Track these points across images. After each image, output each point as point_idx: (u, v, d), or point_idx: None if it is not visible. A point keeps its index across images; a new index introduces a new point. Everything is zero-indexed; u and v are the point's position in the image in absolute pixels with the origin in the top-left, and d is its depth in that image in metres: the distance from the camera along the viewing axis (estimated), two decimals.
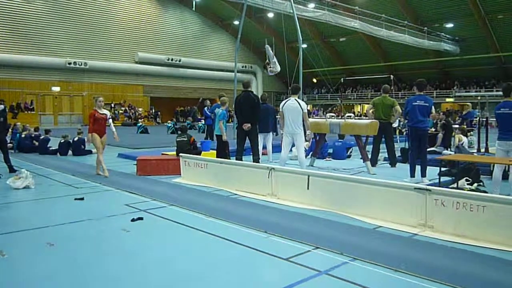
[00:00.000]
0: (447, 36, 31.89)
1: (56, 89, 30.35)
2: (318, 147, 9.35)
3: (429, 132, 8.66)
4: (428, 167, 7.16)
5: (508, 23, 29.07)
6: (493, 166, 6.49)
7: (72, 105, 31.45)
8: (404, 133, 12.23)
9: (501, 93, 6.29)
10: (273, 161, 9.10)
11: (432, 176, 6.97)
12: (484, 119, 12.54)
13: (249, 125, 7.91)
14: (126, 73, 33.51)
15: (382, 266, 3.47)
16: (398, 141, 11.81)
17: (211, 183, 7.05)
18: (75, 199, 6.06)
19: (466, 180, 6.56)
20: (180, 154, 8.04)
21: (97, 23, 31.69)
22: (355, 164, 9.27)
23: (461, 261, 3.63)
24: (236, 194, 6.43)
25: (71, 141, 11.93)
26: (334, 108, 35.45)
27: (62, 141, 11.93)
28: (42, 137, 12.44)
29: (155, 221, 4.97)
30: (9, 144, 10.89)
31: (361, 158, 8.57)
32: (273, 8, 21.95)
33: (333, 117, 17.11)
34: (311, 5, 25.30)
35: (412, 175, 7.14)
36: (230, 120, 18.42)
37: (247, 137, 8.11)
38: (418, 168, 7.11)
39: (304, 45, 22.49)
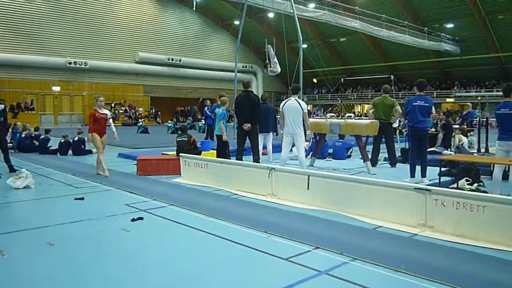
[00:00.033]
0: (447, 36, 31.90)
1: (57, 89, 30.36)
2: (318, 147, 9.35)
3: (429, 132, 8.66)
4: (428, 167, 7.16)
5: (509, 24, 29.07)
6: (493, 166, 6.49)
7: (72, 105, 31.46)
8: (404, 133, 12.25)
9: (501, 93, 6.29)
10: (273, 161, 9.10)
11: (432, 176, 6.97)
12: (484, 119, 12.53)
13: (249, 125, 7.91)
14: (126, 73, 33.52)
15: (382, 266, 3.47)
16: (398, 141, 11.81)
17: (211, 183, 7.05)
18: (75, 199, 6.06)
19: (466, 180, 6.56)
20: (180, 154, 8.04)
21: (98, 23, 31.70)
22: (355, 164, 9.27)
23: (461, 261, 3.63)
24: (236, 194, 6.43)
25: (71, 141, 11.93)
26: (335, 108, 35.46)
27: (62, 140, 11.93)
28: (42, 136, 12.44)
29: (155, 221, 4.97)
30: (9, 144, 10.90)
31: (361, 158, 8.57)
32: (274, 8, 21.96)
33: (333, 117, 17.12)
34: (312, 5, 25.31)
35: (412, 175, 7.14)
36: (230, 120, 18.42)
37: (247, 137, 8.11)
38: (418, 168, 7.11)
39: (305, 45, 22.50)
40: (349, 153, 10.59)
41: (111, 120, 8.57)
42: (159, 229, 4.72)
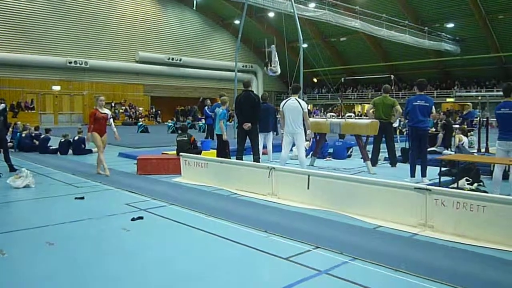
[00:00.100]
0: (447, 36, 31.89)
1: (57, 88, 30.36)
2: (319, 147, 9.35)
3: (429, 132, 8.66)
4: (428, 167, 7.15)
5: (509, 23, 29.06)
6: (493, 166, 6.49)
7: (73, 104, 31.47)
8: (405, 133, 12.25)
9: (501, 93, 6.29)
10: (274, 160, 9.10)
11: (432, 176, 6.97)
12: (485, 119, 12.53)
13: (249, 124, 7.91)
14: (126, 72, 33.53)
15: (382, 265, 3.47)
16: (399, 141, 11.80)
17: (211, 183, 7.05)
18: (75, 198, 6.06)
19: (466, 180, 6.56)
20: (181, 153, 8.04)
21: (98, 22, 31.70)
22: (355, 164, 9.27)
23: (461, 261, 3.63)
24: (236, 194, 6.43)
25: (71, 140, 11.93)
26: (335, 108, 35.46)
27: (62, 140, 11.93)
28: (42, 136, 12.44)
29: (155, 221, 4.97)
30: (9, 143, 10.90)
31: (361, 158, 8.57)
32: (274, 7, 21.96)
33: (333, 117, 17.12)
34: (312, 5, 25.31)
35: (413, 175, 7.14)
36: (231, 120, 18.42)
37: (247, 137, 8.11)
38: (418, 168, 7.10)
39: (305, 45, 22.49)
40: (349, 152, 10.59)
41: (111, 120, 8.56)
42: (159, 228, 4.72)
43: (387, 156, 9.26)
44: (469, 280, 3.20)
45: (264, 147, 9.53)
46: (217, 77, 37.61)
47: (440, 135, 11.02)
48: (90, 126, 8.13)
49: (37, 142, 12.34)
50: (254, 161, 7.70)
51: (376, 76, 28.85)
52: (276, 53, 14.59)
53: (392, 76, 18.87)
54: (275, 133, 10.23)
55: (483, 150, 10.44)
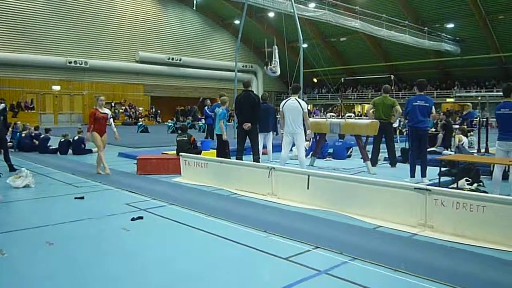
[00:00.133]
0: (447, 36, 31.89)
1: (57, 88, 30.36)
2: (318, 147, 9.35)
3: (429, 132, 8.66)
4: (428, 167, 7.16)
5: (509, 24, 29.06)
6: (493, 166, 6.49)
7: (73, 104, 31.47)
8: (404, 133, 12.25)
9: (501, 93, 6.29)
10: (273, 160, 9.11)
11: (432, 176, 6.97)
12: (485, 120, 12.54)
13: (249, 124, 7.91)
14: (126, 72, 33.53)
15: (382, 266, 3.47)
16: (398, 141, 11.81)
17: (211, 183, 7.05)
18: (75, 198, 6.06)
19: (466, 180, 6.56)
20: (180, 153, 8.04)
21: (98, 22, 31.71)
22: (355, 164, 9.27)
23: (460, 261, 3.63)
24: (236, 194, 6.43)
25: (71, 140, 11.93)
26: (335, 108, 35.45)
27: (62, 140, 11.93)
28: (42, 136, 12.44)
29: (155, 220, 4.97)
30: (9, 143, 10.90)
31: (361, 158, 8.57)
32: (274, 7, 21.97)
33: (333, 117, 17.12)
34: (312, 5, 25.31)
35: (412, 175, 7.14)
36: (230, 120, 18.41)
37: (247, 137, 8.11)
38: (418, 168, 7.11)
39: (305, 45, 22.49)
40: (349, 153, 10.59)
41: (111, 120, 8.56)
42: (159, 228, 4.72)
43: (387, 156, 9.27)
44: (469, 280, 3.21)
45: (264, 147, 9.54)
46: (217, 77, 37.62)
47: (440, 135, 11.03)
48: (90, 126, 8.13)
49: (37, 142, 12.33)
50: (254, 161, 7.70)
51: (376, 76, 28.87)
52: (277, 54, 14.60)
53: (392, 76, 18.88)
54: (275, 133, 10.23)
55: (483, 150, 10.45)
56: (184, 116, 31.23)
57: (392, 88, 19.24)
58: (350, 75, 37.45)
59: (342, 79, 24.19)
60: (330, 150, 10.65)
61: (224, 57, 38.42)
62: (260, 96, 9.33)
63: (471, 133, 14.25)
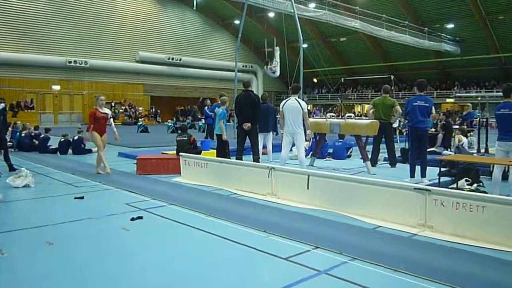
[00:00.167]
0: (447, 36, 31.90)
1: (56, 87, 30.36)
2: (318, 147, 9.35)
3: (429, 132, 8.66)
4: (428, 168, 7.16)
5: (509, 24, 29.07)
6: (493, 166, 6.49)
7: (72, 104, 31.47)
8: (404, 133, 12.24)
9: (501, 94, 6.29)
10: (273, 160, 9.11)
11: (432, 177, 6.97)
12: (484, 120, 12.54)
13: (249, 124, 7.91)
14: (126, 72, 33.54)
15: (381, 266, 3.47)
16: (398, 141, 11.81)
17: (211, 183, 7.05)
18: (75, 198, 6.06)
19: (466, 180, 6.56)
20: (180, 153, 8.04)
21: (98, 22, 31.71)
22: (355, 164, 9.27)
23: (460, 261, 3.63)
24: (236, 194, 6.43)
25: (71, 140, 11.93)
26: (335, 108, 35.45)
27: (62, 140, 11.93)
28: (42, 135, 12.44)
29: (154, 220, 4.97)
30: (9, 143, 10.90)
31: (361, 158, 8.57)
32: (274, 7, 21.97)
33: (333, 117, 17.13)
34: (312, 5, 25.31)
35: (412, 175, 7.14)
36: (230, 120, 18.42)
37: (247, 137, 8.11)
38: (418, 168, 7.10)
39: (305, 45, 22.50)
40: (349, 153, 10.59)
41: (112, 120, 8.56)
42: (158, 228, 4.72)
43: (386, 156, 9.27)
44: (469, 281, 3.21)
45: (264, 147, 9.54)
46: (217, 77, 37.63)
47: (440, 135, 11.03)
48: (89, 126, 8.12)
49: (36, 142, 12.33)
50: (253, 161, 7.70)
51: (376, 76, 28.88)
52: (278, 55, 14.61)
53: (392, 77, 18.89)
54: (275, 133, 10.23)
55: (482, 150, 10.45)
56: (184, 116, 31.22)
57: (392, 88, 19.27)
58: (350, 75, 37.45)
59: (342, 79, 24.20)
60: (330, 150, 10.65)
61: (224, 57, 38.43)
62: (260, 96, 9.33)
63: (471, 133, 14.25)
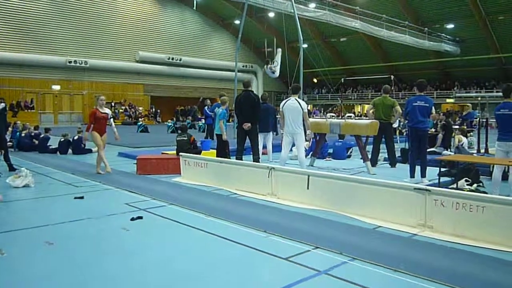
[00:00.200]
0: (447, 36, 31.90)
1: (56, 87, 30.36)
2: (318, 147, 9.35)
3: (429, 132, 8.66)
4: (428, 168, 7.16)
5: (509, 24, 29.08)
6: (493, 166, 6.49)
7: (72, 103, 31.47)
8: (404, 134, 12.26)
9: (501, 94, 6.30)
10: (273, 160, 9.11)
11: (432, 177, 6.97)
12: (484, 120, 12.54)
13: (249, 124, 7.91)
14: (126, 72, 33.54)
15: (381, 266, 3.47)
16: (398, 141, 11.81)
17: (211, 183, 7.05)
18: (75, 198, 6.06)
19: (466, 180, 6.56)
20: (180, 153, 8.04)
21: (98, 21, 31.71)
22: (355, 164, 9.28)
23: (460, 262, 3.63)
24: (236, 194, 6.43)
25: (71, 139, 11.93)
26: (335, 108, 35.46)
27: (62, 139, 11.93)
28: (42, 135, 12.44)
29: (154, 220, 4.97)
30: (8, 143, 10.89)
31: (361, 158, 8.57)
32: (274, 7, 21.97)
33: (333, 117, 17.13)
34: (312, 5, 25.32)
35: (412, 175, 7.15)
36: (230, 120, 18.42)
37: (247, 137, 8.11)
38: (418, 168, 7.11)
39: (305, 45, 22.49)
40: (349, 153, 10.59)
41: (112, 120, 8.55)
42: (158, 228, 4.72)
43: (386, 156, 9.27)
44: (468, 281, 3.21)
45: (264, 147, 9.54)
46: (217, 77, 37.63)
47: (440, 135, 11.03)
48: (89, 126, 8.12)
49: (36, 142, 12.33)
50: (253, 161, 7.70)
51: (376, 76, 28.90)
52: (280, 56, 14.60)
53: (392, 77, 18.90)
54: (275, 133, 10.23)
55: (482, 150, 10.45)
56: (184, 116, 31.21)
57: (392, 88, 19.27)
58: (350, 75, 37.45)
59: (342, 79, 24.21)
60: (330, 150, 10.65)
61: (224, 57, 38.44)
62: (260, 96, 9.33)
63: (471, 133, 14.25)
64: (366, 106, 23.55)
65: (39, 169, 8.80)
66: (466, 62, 32.87)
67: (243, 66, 37.44)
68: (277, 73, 14.61)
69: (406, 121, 8.40)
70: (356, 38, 34.04)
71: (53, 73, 29.96)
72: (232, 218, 4.95)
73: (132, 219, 4.90)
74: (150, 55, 34.12)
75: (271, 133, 9.70)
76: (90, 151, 11.58)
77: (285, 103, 7.53)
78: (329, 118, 11.14)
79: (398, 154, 9.54)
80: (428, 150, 8.10)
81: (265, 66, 14.95)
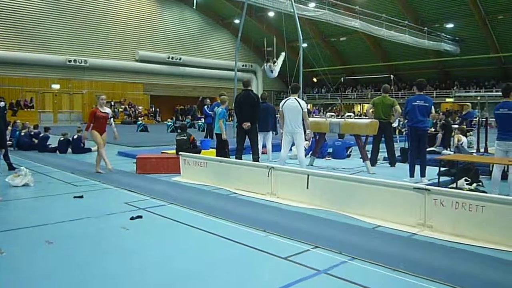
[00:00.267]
0: (447, 36, 31.91)
1: (56, 86, 30.34)
2: (318, 147, 9.35)
3: (428, 132, 8.66)
4: (427, 167, 7.16)
5: (508, 24, 29.09)
6: (492, 166, 6.50)
7: (72, 103, 31.47)
8: (404, 133, 12.24)
9: (500, 93, 6.29)
10: (273, 160, 9.10)
11: (432, 176, 6.97)
12: (484, 119, 12.55)
13: (249, 124, 7.91)
14: (126, 71, 33.52)
15: (381, 265, 3.47)
16: (398, 141, 11.82)
17: (211, 182, 7.04)
18: (74, 197, 6.06)
19: (465, 180, 6.56)
20: (180, 152, 8.04)
21: (98, 21, 31.68)
22: (354, 164, 9.28)
23: (460, 261, 3.63)
24: (235, 193, 6.43)
25: (70, 139, 11.92)
26: (334, 108, 35.45)
27: (61, 139, 11.92)
28: (41, 134, 12.43)
29: (154, 220, 4.97)
30: (8, 142, 10.88)
31: (360, 158, 8.58)
32: (274, 7, 21.95)
33: (333, 117, 17.12)
34: (312, 4, 25.30)
35: (412, 175, 7.15)
36: (230, 119, 18.42)
37: (246, 136, 8.11)
38: (417, 168, 7.11)
39: (305, 44, 22.48)
40: (348, 152, 10.59)
41: (112, 119, 8.55)
42: (158, 227, 4.72)
43: (386, 156, 9.27)
44: (468, 280, 3.21)
45: (264, 146, 9.53)
46: (217, 76, 37.62)
47: (439, 135, 11.03)
48: (89, 125, 8.11)
49: (36, 141, 12.33)
50: (253, 161, 7.70)
51: (376, 76, 28.87)
52: (282, 59, 14.61)
53: (392, 76, 18.91)
54: (274, 132, 10.22)
55: (482, 150, 10.46)
56: (183, 115, 31.22)
57: (392, 88, 19.27)
58: (350, 74, 37.44)
59: (342, 78, 24.19)
60: (330, 150, 10.65)
61: (224, 56, 38.41)
62: (259, 95, 9.32)
63: (470, 133, 14.26)
64: (366, 106, 23.57)
65: (39, 168, 8.80)
66: (465, 62, 32.89)
67: (242, 66, 37.41)
68: (275, 74, 14.63)
69: (406, 121, 8.40)
70: (356, 37, 34.04)
71: (52, 72, 29.94)
72: (231, 217, 4.95)
73: (132, 218, 4.90)
74: (150, 54, 34.10)
75: (270, 132, 9.69)
76: (89, 150, 11.58)
77: (285, 102, 7.53)
78: (328, 118, 11.14)
79: (397, 153, 9.54)
80: (427, 149, 8.10)
81: (265, 63, 14.94)
